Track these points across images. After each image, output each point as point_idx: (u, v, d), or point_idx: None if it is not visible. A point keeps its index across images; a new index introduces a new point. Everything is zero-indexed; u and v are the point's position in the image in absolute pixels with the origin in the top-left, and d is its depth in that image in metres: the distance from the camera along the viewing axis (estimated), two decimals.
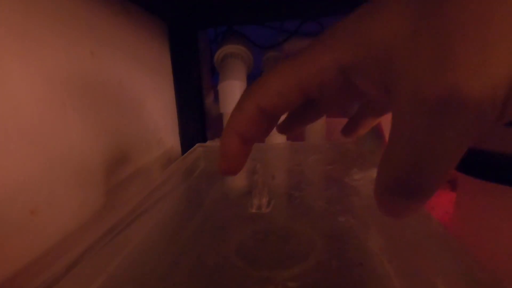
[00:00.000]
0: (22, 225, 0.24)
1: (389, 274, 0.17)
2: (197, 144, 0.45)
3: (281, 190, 0.27)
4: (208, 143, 0.47)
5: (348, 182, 0.27)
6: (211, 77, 0.65)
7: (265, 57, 0.58)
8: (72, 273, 0.18)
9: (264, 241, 0.22)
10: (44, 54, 0.26)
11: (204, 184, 0.36)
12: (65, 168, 0.29)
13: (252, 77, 0.62)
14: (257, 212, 0.23)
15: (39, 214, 0.25)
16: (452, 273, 0.16)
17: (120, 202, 0.34)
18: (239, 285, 0.18)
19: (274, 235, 0.22)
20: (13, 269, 0.23)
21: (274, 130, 0.55)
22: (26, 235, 0.24)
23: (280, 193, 0.26)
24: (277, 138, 0.51)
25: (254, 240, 0.22)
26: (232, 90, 0.50)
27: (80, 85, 0.31)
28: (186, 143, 0.58)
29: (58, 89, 0.28)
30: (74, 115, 0.30)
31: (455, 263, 0.16)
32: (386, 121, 0.60)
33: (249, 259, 0.20)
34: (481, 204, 0.39)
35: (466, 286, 0.15)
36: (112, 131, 0.37)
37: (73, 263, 0.18)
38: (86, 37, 0.32)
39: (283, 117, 0.17)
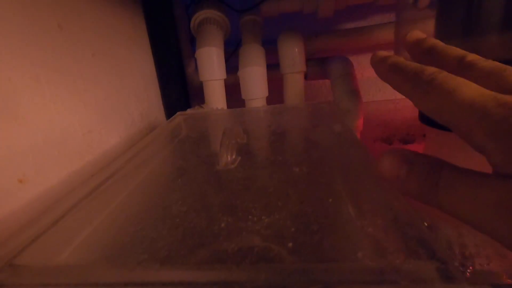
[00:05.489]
0: (11, 192, 0.26)
1: (332, 212, 0.19)
2: (178, 113, 0.47)
3: (248, 149, 0.30)
4: (189, 111, 0.48)
5: (311, 137, 0.29)
6: (191, 45, 0.65)
7: (242, 21, 0.57)
8: (49, 233, 0.19)
9: (231, 194, 0.24)
10: (6, 27, 0.27)
11: (183, 150, 0.39)
12: (47, 139, 0.30)
13: (232, 43, 0.62)
14: (223, 169, 0.25)
15: (28, 182, 0.28)
16: (380, 208, 0.18)
17: (102, 167, 0.36)
18: (216, 235, 0.21)
19: (239, 189, 0.24)
20: (6, 232, 0.25)
21: (253, 96, 0.55)
22: (16, 200, 0.26)
23: (246, 151, 0.28)
24: (257, 102, 0.52)
25: (223, 194, 0.24)
26: (209, 57, 0.50)
27: (52, 59, 0.32)
28: (171, 114, 0.59)
29: (30, 63, 0.29)
30: (49, 88, 0.31)
31: (383, 200, 0.18)
32: (362, 83, 0.62)
33: (220, 212, 0.22)
34: (445, 153, 0.41)
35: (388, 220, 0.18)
36: (91, 103, 0.38)
37: (55, 221, 0.21)
38: (52, 11, 0.32)
39: None
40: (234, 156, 0.26)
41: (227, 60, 0.53)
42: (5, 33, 0.27)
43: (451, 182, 0.13)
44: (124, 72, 0.46)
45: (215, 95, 0.51)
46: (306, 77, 0.57)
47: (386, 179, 0.15)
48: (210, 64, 0.50)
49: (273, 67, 0.54)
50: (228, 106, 0.54)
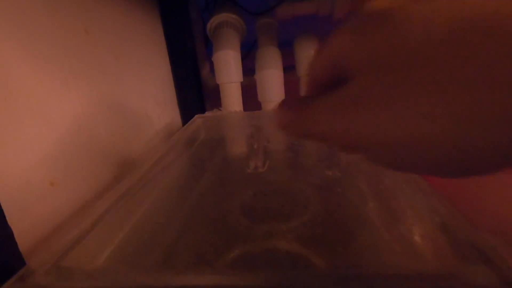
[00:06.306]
0: (44, 195, 0.26)
1: (372, 216, 0.19)
2: (196, 116, 0.47)
3: (276, 152, 0.30)
4: (207, 113, 0.48)
5: None
6: (205, 47, 0.65)
7: (258, 24, 0.58)
8: (88, 237, 0.20)
9: (262, 198, 0.24)
10: (39, 33, 0.27)
11: (205, 152, 0.39)
12: (75, 143, 0.31)
13: (246, 45, 0.62)
14: (253, 172, 0.26)
15: (58, 185, 0.28)
16: (424, 212, 0.18)
17: (129, 172, 0.37)
18: (243, 239, 0.21)
19: (270, 192, 0.24)
20: (38, 236, 0.26)
21: (270, 99, 0.55)
22: (49, 203, 0.27)
23: (274, 154, 0.28)
24: (273, 105, 0.52)
25: (254, 198, 0.24)
26: (226, 60, 0.50)
27: (79, 63, 0.32)
28: (186, 115, 0.60)
29: (59, 67, 0.29)
30: (77, 92, 0.32)
31: (427, 204, 0.18)
32: None
33: (250, 215, 0.22)
34: None
35: (434, 224, 0.18)
36: (115, 106, 0.38)
37: (90, 228, 0.21)
38: (79, 16, 0.33)
39: None
40: (263, 159, 0.26)
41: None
42: (38, 39, 0.27)
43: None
44: (144, 75, 0.47)
45: (232, 98, 0.51)
46: None
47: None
48: (228, 67, 0.50)
49: (288, 69, 0.54)
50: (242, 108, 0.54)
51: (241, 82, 0.54)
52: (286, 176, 0.25)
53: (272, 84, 0.50)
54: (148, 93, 0.48)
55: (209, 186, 0.27)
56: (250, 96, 0.57)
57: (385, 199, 0.20)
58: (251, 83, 0.56)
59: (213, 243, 0.20)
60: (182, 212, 0.24)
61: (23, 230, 0.24)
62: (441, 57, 0.09)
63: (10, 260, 0.17)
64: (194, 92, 0.59)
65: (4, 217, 0.18)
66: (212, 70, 0.70)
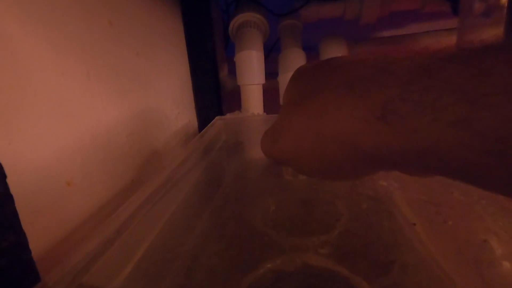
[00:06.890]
0: (60, 196, 0.24)
1: (440, 234, 0.16)
2: (217, 117, 0.45)
3: None
4: (228, 115, 0.46)
5: None
6: (224, 49, 0.63)
7: (281, 25, 0.55)
8: (108, 252, 0.17)
9: (298, 208, 0.21)
10: (62, 21, 0.25)
11: (227, 156, 0.36)
12: (94, 141, 0.28)
13: (268, 46, 0.60)
14: (292, 178, 0.23)
15: (75, 185, 0.26)
16: (503, 229, 0.15)
17: (149, 177, 0.34)
18: (271, 253, 0.18)
19: (315, 202, 0.22)
20: (54, 238, 0.23)
21: None
22: (64, 205, 0.24)
23: None
24: None
25: (288, 207, 0.22)
26: (249, 61, 0.48)
27: (101, 55, 0.30)
28: (203, 117, 0.58)
29: (81, 58, 0.27)
30: (98, 86, 0.29)
31: (506, 221, 0.16)
32: None
33: (280, 227, 0.20)
34: None
35: None
36: (134, 104, 0.36)
37: (108, 241, 0.18)
38: (103, 7, 0.31)
39: None
40: None
41: None
42: (60, 26, 0.25)
43: None
44: (163, 74, 0.45)
45: (253, 100, 0.49)
46: None
47: None
48: (250, 68, 0.48)
49: None
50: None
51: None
52: (332, 185, 0.22)
53: None
54: (167, 93, 0.46)
55: (236, 194, 0.25)
56: (270, 99, 0.55)
57: (458, 217, 0.17)
58: (271, 86, 0.54)
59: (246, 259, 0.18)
60: (206, 223, 0.22)
61: (36, 234, 0.21)
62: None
63: (23, 275, 0.14)
64: (212, 93, 0.57)
65: (18, 221, 0.15)
66: (230, 72, 0.68)
